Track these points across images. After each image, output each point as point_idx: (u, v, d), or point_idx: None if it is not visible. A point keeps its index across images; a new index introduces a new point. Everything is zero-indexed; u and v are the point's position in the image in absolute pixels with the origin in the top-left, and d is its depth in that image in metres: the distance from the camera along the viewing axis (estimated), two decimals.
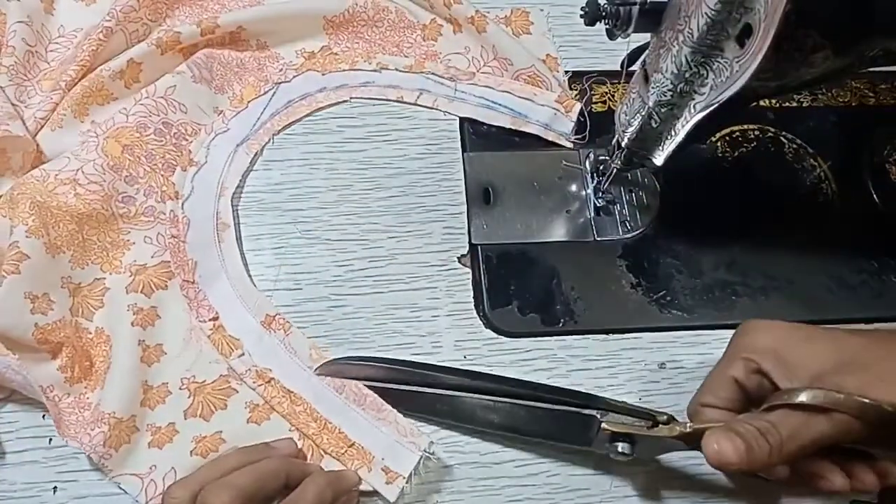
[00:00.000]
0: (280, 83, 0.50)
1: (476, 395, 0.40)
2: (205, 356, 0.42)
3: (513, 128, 0.49)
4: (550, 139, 0.49)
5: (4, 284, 0.39)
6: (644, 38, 0.37)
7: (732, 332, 0.45)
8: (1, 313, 0.38)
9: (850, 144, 0.51)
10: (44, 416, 0.41)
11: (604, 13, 0.35)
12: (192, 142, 0.47)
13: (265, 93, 0.49)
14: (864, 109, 0.52)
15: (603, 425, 0.37)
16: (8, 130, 0.43)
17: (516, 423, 0.40)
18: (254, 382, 0.41)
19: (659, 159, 0.40)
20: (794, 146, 0.51)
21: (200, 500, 0.34)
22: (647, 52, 0.37)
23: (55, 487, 0.40)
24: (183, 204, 0.45)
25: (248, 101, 0.49)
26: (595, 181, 0.48)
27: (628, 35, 0.35)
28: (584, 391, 0.40)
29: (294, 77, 0.50)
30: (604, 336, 0.45)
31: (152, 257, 0.44)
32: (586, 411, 0.38)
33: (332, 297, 0.45)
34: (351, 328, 0.44)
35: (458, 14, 0.50)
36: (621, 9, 0.34)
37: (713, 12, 0.30)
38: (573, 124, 0.49)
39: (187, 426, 0.41)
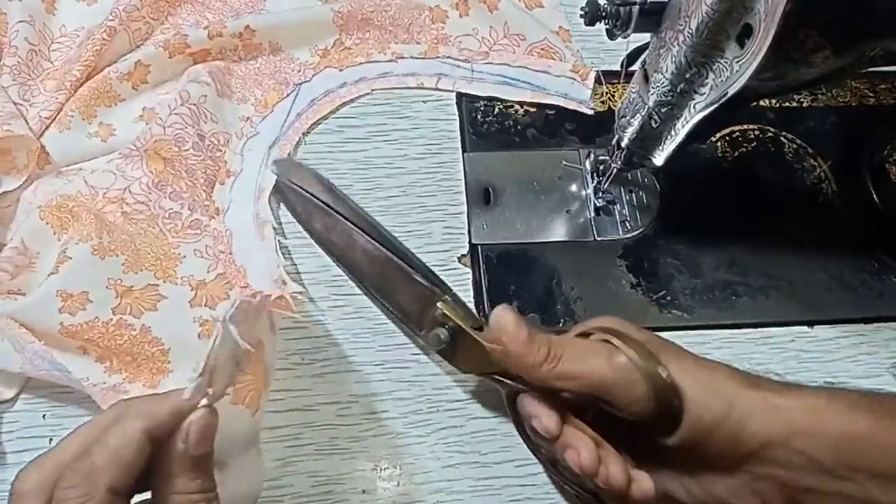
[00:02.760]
0: (301, 83, 0.50)
1: (366, 236, 0.40)
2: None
3: (534, 101, 0.50)
4: (571, 108, 0.50)
5: (44, 286, 0.39)
6: (644, 38, 0.37)
7: (733, 332, 0.45)
8: (31, 308, 0.39)
9: (850, 144, 0.51)
10: (44, 416, 0.41)
11: (604, 13, 0.35)
12: (225, 151, 0.47)
13: (288, 95, 0.50)
14: (864, 109, 0.52)
15: (439, 304, 0.37)
16: (10, 130, 0.43)
17: (379, 280, 0.40)
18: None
19: (659, 159, 0.40)
20: (794, 146, 0.51)
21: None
22: (647, 52, 0.37)
23: None
24: (224, 218, 0.45)
25: (273, 105, 0.49)
26: (595, 181, 0.48)
27: (628, 35, 0.35)
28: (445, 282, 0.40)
29: (313, 76, 0.51)
30: None
31: (208, 272, 0.44)
32: (434, 287, 0.38)
33: (332, 297, 0.45)
34: (351, 328, 0.44)
35: None
36: (621, 9, 0.34)
37: (713, 12, 0.30)
38: (590, 91, 0.50)
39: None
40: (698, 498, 0.35)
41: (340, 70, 0.51)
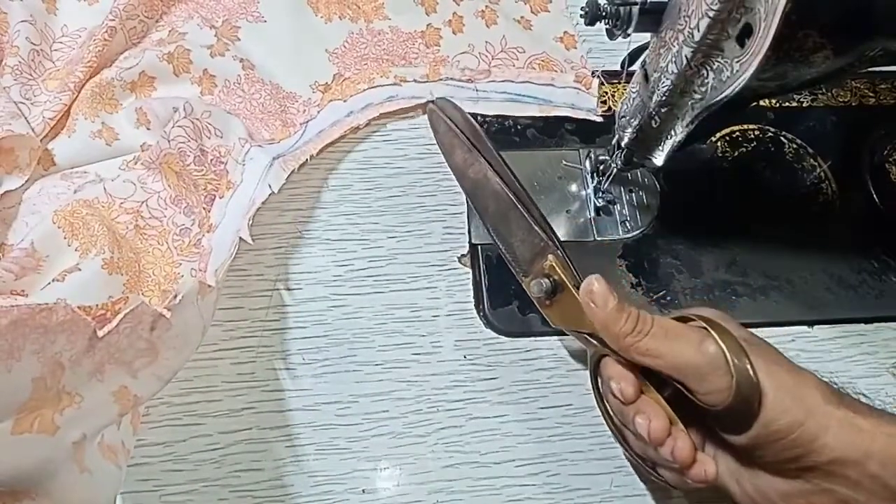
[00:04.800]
0: (307, 122, 0.49)
1: (498, 177, 0.41)
2: None
3: (542, 115, 0.50)
4: (580, 117, 0.50)
5: (46, 290, 0.39)
6: (644, 38, 0.37)
7: None
8: None
9: (850, 144, 0.51)
10: None
11: (604, 13, 0.35)
12: (228, 161, 0.46)
13: (294, 133, 0.49)
14: (864, 109, 0.52)
15: (550, 256, 0.39)
16: (11, 130, 0.43)
17: (500, 220, 0.41)
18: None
19: (659, 159, 0.40)
20: (794, 146, 0.51)
21: None
22: (647, 52, 0.37)
23: None
24: (213, 235, 0.44)
25: (280, 140, 0.48)
26: (595, 181, 0.48)
27: (628, 35, 0.35)
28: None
29: (319, 113, 0.49)
30: None
31: None
32: (549, 241, 0.39)
33: (332, 297, 0.45)
34: (351, 328, 0.44)
35: (466, 11, 0.50)
36: (621, 9, 0.34)
37: (713, 12, 0.30)
38: (595, 99, 0.50)
39: None
40: (748, 494, 0.35)
41: (345, 101, 0.50)
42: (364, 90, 0.50)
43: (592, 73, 0.51)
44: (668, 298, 0.45)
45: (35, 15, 0.49)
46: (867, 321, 0.46)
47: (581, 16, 0.36)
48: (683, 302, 0.45)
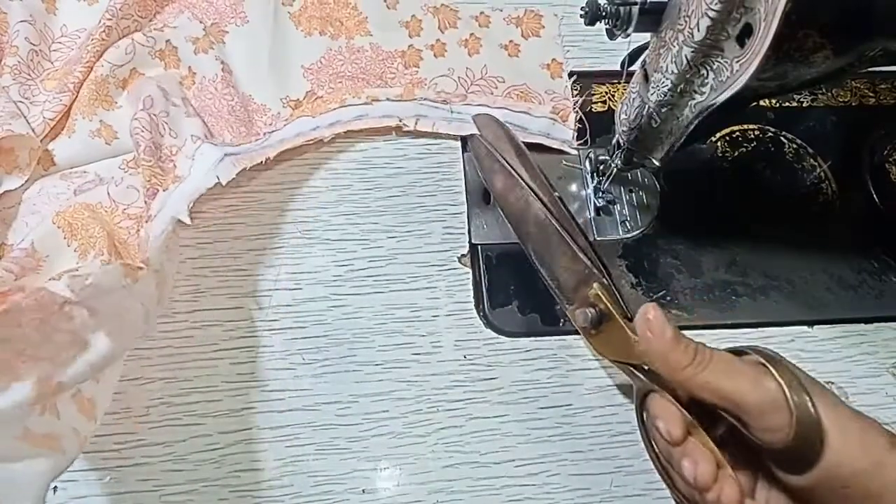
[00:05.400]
0: (272, 132, 0.48)
1: (540, 203, 0.40)
2: None
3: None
4: (554, 147, 0.49)
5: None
6: (644, 38, 0.37)
7: (733, 331, 0.45)
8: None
9: (850, 144, 0.51)
10: None
11: (604, 13, 0.35)
12: (178, 158, 0.44)
13: (257, 140, 0.48)
14: (864, 109, 0.52)
15: (595, 285, 0.38)
16: (10, 130, 0.43)
17: (543, 247, 0.41)
18: None
19: (659, 159, 0.40)
20: (794, 146, 0.51)
21: None
22: (647, 52, 0.37)
23: (55, 487, 0.40)
24: (150, 224, 0.41)
25: (238, 144, 0.47)
26: (595, 181, 0.48)
27: (628, 35, 0.35)
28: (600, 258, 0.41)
29: (286, 125, 0.48)
30: None
31: None
32: (594, 269, 0.39)
33: (332, 297, 0.45)
34: (351, 328, 0.44)
35: (450, 38, 0.49)
36: (621, 9, 0.34)
37: (713, 12, 0.30)
38: (573, 131, 0.49)
39: None
40: None
41: (314, 117, 0.48)
42: (334, 109, 0.49)
43: (575, 103, 0.50)
44: (668, 298, 0.45)
45: (34, 15, 0.49)
46: (867, 321, 0.46)
47: (581, 16, 0.36)
48: (683, 302, 0.45)
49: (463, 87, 0.50)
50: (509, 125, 0.48)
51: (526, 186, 0.41)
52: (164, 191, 0.43)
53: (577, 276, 0.39)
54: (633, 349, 0.36)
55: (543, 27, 0.52)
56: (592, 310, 0.38)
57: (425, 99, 0.49)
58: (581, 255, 0.39)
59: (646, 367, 0.36)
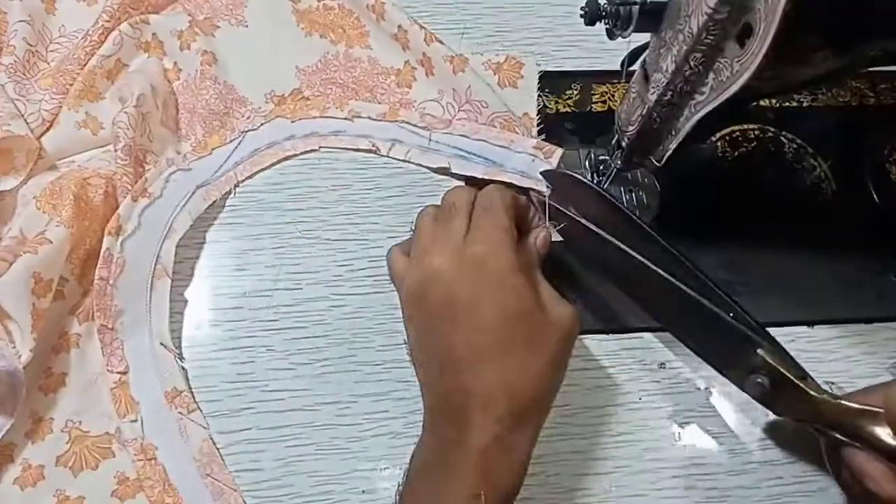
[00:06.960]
0: (247, 131, 0.48)
1: (659, 271, 0.36)
2: (99, 407, 0.41)
3: (485, 177, 0.45)
4: (528, 185, 0.45)
5: (18, 262, 0.39)
6: (644, 38, 0.37)
7: None
8: (4, 286, 0.39)
9: (850, 144, 0.51)
10: None
11: (604, 13, 0.35)
12: (149, 170, 0.45)
13: (231, 141, 0.48)
14: (864, 109, 0.52)
15: (759, 351, 0.36)
16: (10, 130, 0.43)
17: (680, 316, 0.37)
18: (135, 455, 0.39)
19: (659, 159, 0.40)
20: (794, 146, 0.51)
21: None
22: (647, 52, 0.37)
23: None
24: (123, 242, 0.43)
25: (213, 149, 0.47)
26: (595, 181, 0.47)
27: (628, 35, 0.35)
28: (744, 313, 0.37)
29: (262, 125, 0.48)
30: (604, 336, 0.45)
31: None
32: (751, 333, 0.36)
33: (332, 297, 0.45)
34: (351, 328, 0.44)
35: (435, 53, 0.48)
36: (621, 9, 0.34)
37: (713, 12, 0.30)
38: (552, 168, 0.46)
39: (54, 475, 0.39)
40: None
41: (292, 122, 0.48)
42: (314, 117, 0.49)
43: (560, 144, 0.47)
44: None
45: (34, 15, 0.49)
46: (867, 321, 0.46)
47: (581, 16, 0.36)
48: None
49: (450, 113, 0.48)
50: (484, 161, 0.46)
51: (636, 254, 0.37)
52: (133, 200, 0.44)
53: (734, 344, 0.36)
54: (817, 409, 0.35)
55: (522, 77, 0.50)
56: (764, 377, 0.36)
57: (406, 122, 0.48)
58: (734, 322, 0.36)
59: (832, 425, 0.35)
